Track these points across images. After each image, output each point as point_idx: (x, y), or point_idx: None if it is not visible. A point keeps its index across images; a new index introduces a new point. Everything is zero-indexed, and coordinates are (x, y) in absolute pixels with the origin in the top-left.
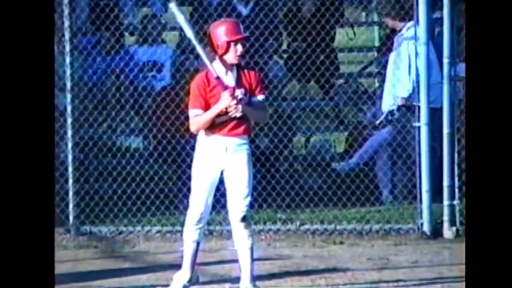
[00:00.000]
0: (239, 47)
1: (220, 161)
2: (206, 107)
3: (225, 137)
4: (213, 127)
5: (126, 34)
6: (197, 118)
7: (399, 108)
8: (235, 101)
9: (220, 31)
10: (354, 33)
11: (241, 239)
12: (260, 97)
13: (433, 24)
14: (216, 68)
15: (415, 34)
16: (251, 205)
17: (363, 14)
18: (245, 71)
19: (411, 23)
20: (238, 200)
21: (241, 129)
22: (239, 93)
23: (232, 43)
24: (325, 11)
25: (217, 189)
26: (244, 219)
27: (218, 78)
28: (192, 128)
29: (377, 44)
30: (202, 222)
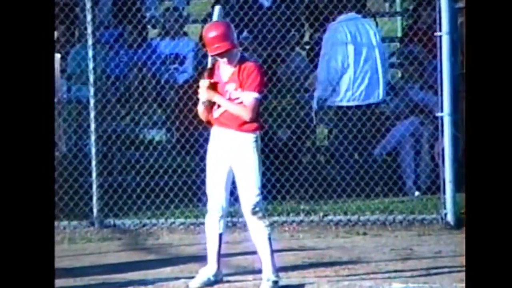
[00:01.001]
0: (221, 60)
1: (228, 156)
2: None
3: (228, 130)
4: (217, 121)
5: (149, 27)
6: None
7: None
8: (201, 88)
9: (206, 39)
10: (377, 24)
11: (256, 231)
12: (246, 94)
13: (456, 14)
14: (221, 60)
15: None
16: (273, 197)
17: (386, 4)
18: (244, 64)
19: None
20: (247, 196)
21: (245, 124)
22: (206, 83)
23: None
24: (346, 2)
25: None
26: (255, 212)
27: (210, 69)
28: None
29: (399, 34)
30: (221, 213)
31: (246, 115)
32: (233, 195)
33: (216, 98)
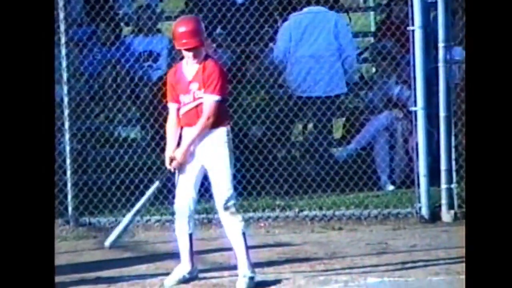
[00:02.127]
0: (189, 54)
1: (200, 154)
2: (177, 98)
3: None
4: (184, 121)
5: (122, 24)
6: (166, 127)
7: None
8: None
9: (175, 33)
10: (350, 19)
11: (230, 227)
12: (206, 97)
13: (428, 8)
14: (185, 60)
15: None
16: (249, 193)
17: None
18: (207, 62)
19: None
20: (220, 191)
21: (216, 121)
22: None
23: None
24: None
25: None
26: (227, 207)
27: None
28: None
29: (373, 29)
30: (188, 213)
31: (207, 122)
32: (208, 192)
33: (185, 147)
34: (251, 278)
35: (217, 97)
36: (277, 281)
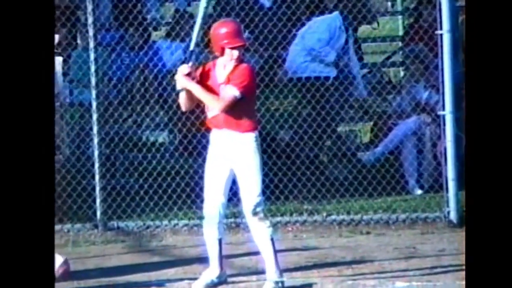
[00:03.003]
0: (235, 53)
1: (228, 158)
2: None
3: (227, 131)
4: (212, 123)
5: (150, 29)
6: None
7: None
8: (178, 74)
9: (220, 34)
10: (378, 23)
11: (257, 232)
12: (228, 88)
13: (457, 12)
14: (219, 61)
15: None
16: (276, 197)
17: (388, 3)
18: (240, 65)
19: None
20: (248, 197)
21: (242, 124)
22: (184, 69)
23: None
24: (347, 1)
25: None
26: (256, 213)
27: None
28: None
29: (401, 33)
30: (218, 219)
31: (217, 106)
32: (236, 196)
33: (190, 85)
34: (279, 283)
35: (237, 92)
36: (305, 286)
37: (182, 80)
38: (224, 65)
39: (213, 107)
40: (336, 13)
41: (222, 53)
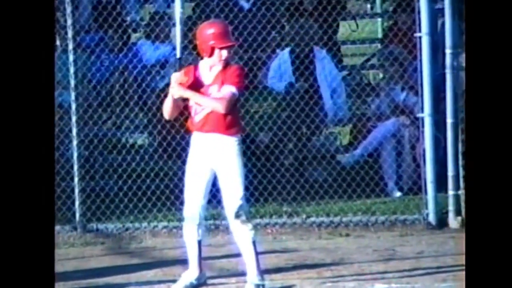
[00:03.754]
0: (224, 53)
1: (210, 161)
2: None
3: (211, 135)
4: (198, 126)
5: (130, 31)
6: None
7: None
8: (173, 83)
9: (207, 34)
10: (357, 25)
11: (240, 235)
12: (225, 87)
13: (435, 15)
14: (202, 64)
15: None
16: (256, 200)
17: (368, 6)
18: (229, 66)
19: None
20: (230, 199)
21: (229, 127)
22: (177, 76)
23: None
24: (326, 3)
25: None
26: (238, 216)
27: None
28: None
29: (380, 36)
30: (198, 220)
31: (221, 107)
32: (215, 198)
33: (187, 93)
34: (260, 286)
35: (235, 91)
36: None
37: (177, 89)
38: (210, 67)
39: (217, 108)
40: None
41: (210, 54)
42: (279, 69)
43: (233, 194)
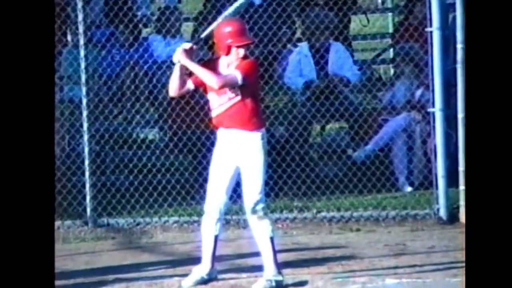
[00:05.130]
0: (241, 51)
1: (235, 156)
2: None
3: (235, 131)
4: (217, 121)
5: (140, 26)
6: None
7: None
8: (178, 49)
9: (225, 32)
10: (368, 20)
11: (257, 230)
12: (231, 70)
13: (447, 10)
14: (222, 61)
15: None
16: (267, 194)
17: (379, 0)
18: (244, 61)
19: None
20: (249, 195)
21: (249, 122)
22: (186, 45)
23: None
24: None
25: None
26: (255, 211)
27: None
28: None
29: (391, 30)
30: (218, 216)
31: (215, 82)
32: (235, 192)
33: (186, 61)
34: (276, 282)
35: (239, 75)
36: (295, 283)
37: (179, 54)
38: (228, 64)
39: (211, 82)
40: (303, 43)
41: (227, 52)
42: (299, 64)
43: (251, 189)
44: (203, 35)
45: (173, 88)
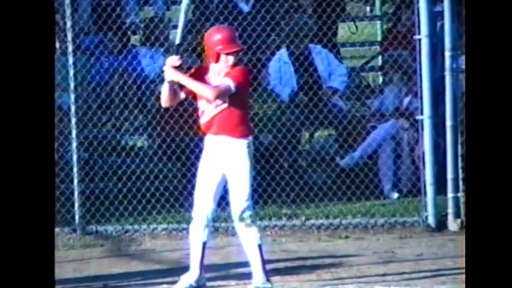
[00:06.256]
0: (230, 58)
1: (222, 163)
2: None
3: (221, 137)
4: (206, 128)
5: (129, 33)
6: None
7: None
8: (167, 66)
9: (215, 40)
10: (357, 28)
11: (245, 238)
12: (223, 79)
13: (435, 17)
14: (211, 69)
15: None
16: (255, 202)
17: (367, 8)
18: (236, 68)
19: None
20: (237, 202)
21: (237, 129)
22: (172, 60)
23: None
24: (326, 6)
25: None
26: (242, 218)
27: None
28: None
29: (379, 38)
30: (205, 222)
31: (210, 94)
32: (224, 200)
33: (179, 77)
34: None
35: (232, 84)
36: None
37: (170, 71)
38: (218, 72)
39: (206, 95)
40: (282, 50)
41: (216, 60)
42: (279, 71)
43: (239, 196)
44: (177, 41)
45: (165, 101)
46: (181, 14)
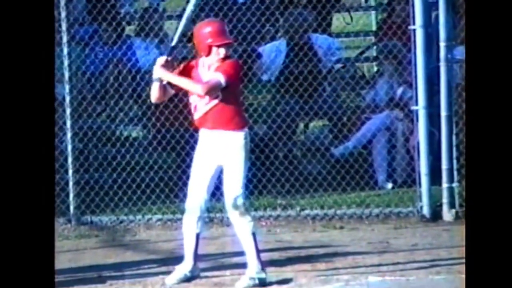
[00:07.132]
0: (222, 51)
1: (218, 156)
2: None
3: (218, 131)
4: (201, 123)
5: (124, 23)
6: None
7: None
8: (156, 65)
9: (205, 33)
10: (351, 18)
11: (239, 227)
12: (213, 74)
13: (430, 8)
14: (201, 62)
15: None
16: (250, 192)
17: None
18: (226, 61)
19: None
20: (230, 191)
21: (232, 122)
22: (162, 60)
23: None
24: None
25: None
26: (236, 208)
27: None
28: None
29: (374, 28)
30: (199, 213)
31: (200, 89)
32: (219, 190)
33: (167, 75)
34: (256, 279)
35: (222, 78)
36: (279, 281)
37: (159, 70)
38: (209, 66)
39: (195, 90)
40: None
41: (207, 53)
42: (269, 57)
43: (232, 184)
44: (173, 43)
45: (156, 98)
46: (183, 19)
